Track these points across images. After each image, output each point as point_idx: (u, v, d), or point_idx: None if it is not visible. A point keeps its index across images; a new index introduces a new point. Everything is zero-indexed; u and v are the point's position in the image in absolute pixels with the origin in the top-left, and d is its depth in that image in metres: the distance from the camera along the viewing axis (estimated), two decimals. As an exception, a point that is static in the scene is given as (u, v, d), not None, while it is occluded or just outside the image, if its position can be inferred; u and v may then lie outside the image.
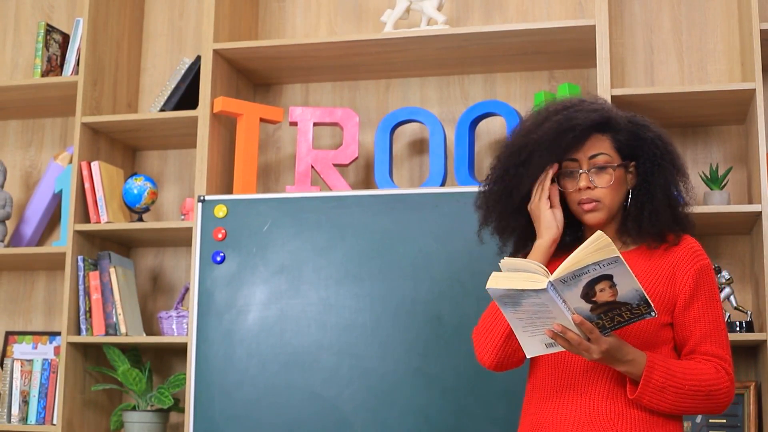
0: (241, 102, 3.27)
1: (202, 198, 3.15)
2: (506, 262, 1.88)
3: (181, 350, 3.36)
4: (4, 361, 3.47)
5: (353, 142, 3.21)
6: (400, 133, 3.41)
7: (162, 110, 3.40)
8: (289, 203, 3.08)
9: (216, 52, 3.28)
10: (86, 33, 3.41)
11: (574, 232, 2.15)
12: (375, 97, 3.49)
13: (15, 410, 3.35)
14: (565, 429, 1.97)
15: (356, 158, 3.23)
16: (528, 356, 1.95)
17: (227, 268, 3.08)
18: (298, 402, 2.95)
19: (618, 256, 1.76)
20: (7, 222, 3.57)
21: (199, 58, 3.43)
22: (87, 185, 3.35)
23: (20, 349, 3.57)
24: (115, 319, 3.27)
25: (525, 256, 2.09)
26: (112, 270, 3.31)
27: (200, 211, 3.13)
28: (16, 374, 3.38)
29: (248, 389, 2.99)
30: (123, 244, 3.55)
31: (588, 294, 1.80)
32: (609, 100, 2.92)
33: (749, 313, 2.96)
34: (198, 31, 3.69)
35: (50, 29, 3.57)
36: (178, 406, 3.28)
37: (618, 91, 2.96)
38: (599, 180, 2.05)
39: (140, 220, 3.39)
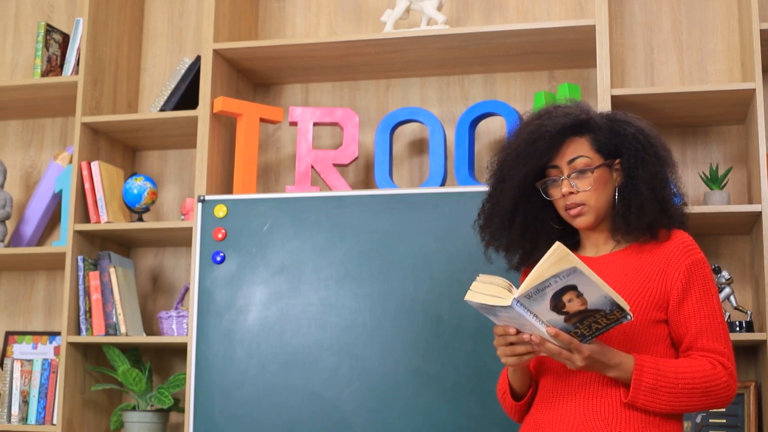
0: (241, 102, 3.27)
1: (202, 198, 3.15)
2: (482, 276, 1.89)
3: (181, 350, 3.37)
4: (4, 361, 3.47)
5: (353, 142, 3.21)
6: (400, 133, 3.41)
7: (162, 110, 3.40)
8: (289, 203, 3.08)
9: (216, 52, 3.28)
10: (86, 33, 3.41)
11: (572, 237, 2.15)
12: (375, 97, 3.49)
13: (15, 410, 3.35)
14: (561, 429, 1.97)
15: (356, 158, 3.23)
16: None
17: (227, 268, 3.08)
18: (298, 402, 2.95)
19: (574, 267, 1.75)
20: (7, 222, 3.58)
21: (199, 58, 3.43)
22: (87, 185, 3.35)
23: (20, 349, 3.57)
24: (115, 319, 3.27)
25: (528, 268, 2.10)
26: (112, 270, 3.31)
27: (200, 211, 3.13)
28: (16, 374, 3.38)
29: (248, 389, 2.99)
30: (123, 244, 3.55)
31: (557, 306, 1.80)
32: (609, 100, 2.92)
33: (749, 313, 2.96)
34: (198, 31, 3.69)
35: (50, 29, 3.57)
36: (178, 406, 3.28)
37: (618, 91, 2.96)
38: (581, 183, 2.05)
39: (140, 220, 3.39)
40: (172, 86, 3.42)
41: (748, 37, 2.94)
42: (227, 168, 3.33)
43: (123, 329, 3.26)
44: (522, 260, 2.16)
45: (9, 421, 3.35)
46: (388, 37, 3.17)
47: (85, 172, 3.35)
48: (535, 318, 1.81)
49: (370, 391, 2.91)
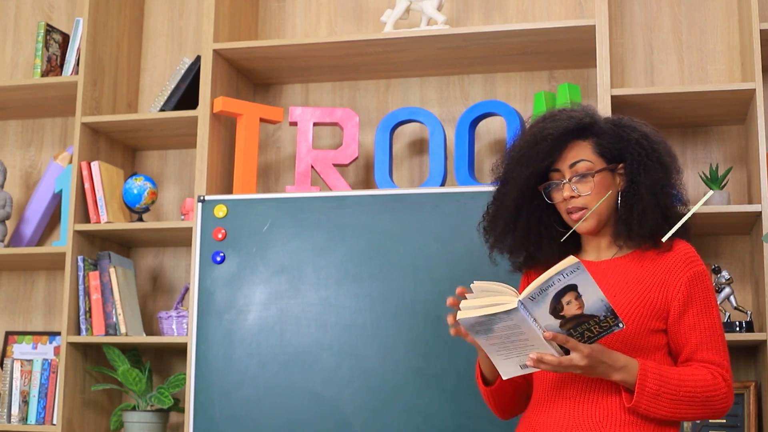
0: (241, 102, 3.27)
1: (202, 198, 3.15)
2: (477, 285, 1.89)
3: (181, 350, 3.37)
4: (4, 361, 3.47)
5: (353, 142, 3.21)
6: (400, 133, 3.41)
7: (162, 110, 3.40)
8: (289, 203, 3.08)
9: (216, 52, 3.28)
10: (86, 33, 3.41)
11: (575, 240, 2.15)
12: (375, 97, 3.49)
13: (15, 410, 3.35)
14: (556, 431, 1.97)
15: (356, 158, 3.23)
16: (504, 378, 1.96)
17: (227, 268, 3.08)
18: (298, 402, 2.95)
19: (578, 263, 1.77)
20: (7, 222, 3.58)
21: (199, 58, 3.43)
22: (87, 185, 3.35)
23: (20, 349, 3.57)
24: (115, 319, 3.27)
25: (537, 273, 2.10)
26: (112, 270, 3.31)
27: (200, 211, 3.13)
28: (16, 374, 3.38)
29: (248, 389, 2.99)
30: (123, 244, 3.55)
31: (556, 308, 1.80)
32: (609, 100, 2.92)
33: (749, 313, 2.96)
34: (198, 31, 3.69)
35: (50, 29, 3.57)
36: (178, 406, 3.28)
37: (618, 91, 2.96)
38: (582, 187, 2.04)
39: (140, 220, 3.39)
40: (172, 86, 3.42)
41: (748, 37, 2.94)
42: (227, 168, 3.33)
43: (123, 329, 3.26)
44: (526, 262, 2.15)
45: (9, 421, 3.35)
46: (388, 37, 3.17)
47: (85, 172, 3.35)
48: (534, 323, 1.82)
49: (370, 391, 2.91)
